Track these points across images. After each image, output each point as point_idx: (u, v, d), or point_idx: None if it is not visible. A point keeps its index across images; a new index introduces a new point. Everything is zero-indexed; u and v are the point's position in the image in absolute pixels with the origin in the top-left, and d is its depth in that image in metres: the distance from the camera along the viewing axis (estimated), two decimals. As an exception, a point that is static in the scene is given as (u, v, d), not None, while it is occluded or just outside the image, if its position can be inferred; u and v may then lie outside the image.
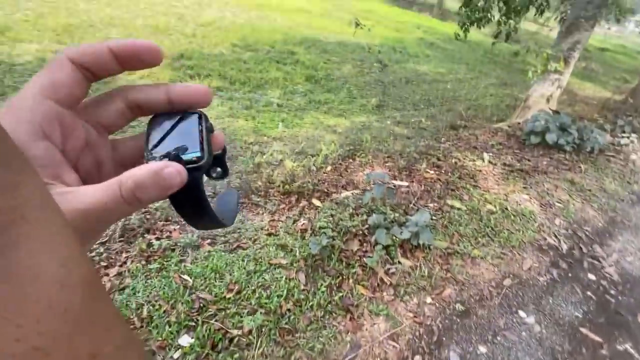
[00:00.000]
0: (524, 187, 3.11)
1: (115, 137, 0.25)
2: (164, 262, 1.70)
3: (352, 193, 2.58)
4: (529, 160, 3.64)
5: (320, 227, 2.08)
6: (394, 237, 2.04)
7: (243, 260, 1.78)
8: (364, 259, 1.93)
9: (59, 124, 0.20)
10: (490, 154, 3.60)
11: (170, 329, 1.38)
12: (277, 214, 2.27)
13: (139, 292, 1.52)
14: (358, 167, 3.10)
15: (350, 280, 1.80)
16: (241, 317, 1.49)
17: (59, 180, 0.19)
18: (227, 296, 1.56)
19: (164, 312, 1.45)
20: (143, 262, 1.68)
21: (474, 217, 2.54)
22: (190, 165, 0.21)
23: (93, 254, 1.70)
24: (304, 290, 1.69)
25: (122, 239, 1.82)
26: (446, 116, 5.07)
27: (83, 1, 6.18)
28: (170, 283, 1.57)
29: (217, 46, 5.83)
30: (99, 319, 0.14)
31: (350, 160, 3.27)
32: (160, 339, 1.35)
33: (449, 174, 3.13)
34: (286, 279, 1.71)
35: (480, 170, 3.27)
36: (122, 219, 1.99)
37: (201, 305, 1.50)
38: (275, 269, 1.77)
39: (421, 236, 2.05)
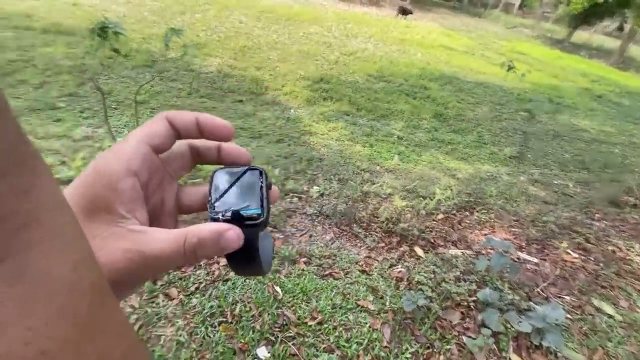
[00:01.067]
0: None
1: (180, 183, 0.28)
2: (263, 267, 1.82)
3: (463, 253, 2.26)
4: None
5: (418, 282, 1.89)
6: (508, 325, 1.67)
7: (331, 291, 1.75)
8: (464, 337, 1.63)
9: (148, 166, 0.23)
10: (675, 254, 2.64)
11: (252, 335, 1.45)
12: (375, 252, 2.17)
13: (237, 289, 1.66)
14: (475, 224, 2.73)
15: (442, 357, 1.54)
16: (317, 350, 1.45)
17: (132, 214, 0.22)
18: (309, 323, 1.55)
19: (252, 316, 1.53)
20: (247, 262, 1.84)
21: (633, 335, 1.87)
22: (250, 222, 0.22)
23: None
24: (386, 347, 1.54)
25: (236, 234, 2.05)
26: (606, 187, 4.03)
27: (259, 28, 7.57)
28: (264, 290, 1.66)
29: (353, 74, 6.20)
30: (107, 325, 0.14)
31: (467, 214, 2.92)
32: (242, 341, 1.43)
33: (601, 264, 2.43)
34: (370, 327, 1.59)
35: (653, 272, 2.43)
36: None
37: (284, 322, 1.53)
38: (360, 311, 1.67)
39: (547, 336, 1.61)
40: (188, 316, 1.50)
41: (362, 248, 2.20)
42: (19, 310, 0.11)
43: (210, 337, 1.43)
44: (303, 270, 1.87)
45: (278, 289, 1.70)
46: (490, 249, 2.32)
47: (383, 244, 2.26)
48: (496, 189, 3.41)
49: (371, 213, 2.58)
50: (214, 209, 0.23)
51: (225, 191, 0.24)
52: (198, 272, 1.74)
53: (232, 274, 1.75)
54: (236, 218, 0.22)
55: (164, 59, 4.87)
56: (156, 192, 0.25)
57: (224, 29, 6.99)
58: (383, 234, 2.37)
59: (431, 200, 2.92)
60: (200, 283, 1.67)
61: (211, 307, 1.55)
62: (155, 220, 0.25)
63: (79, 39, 4.80)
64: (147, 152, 0.23)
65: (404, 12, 13.02)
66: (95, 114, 3.48)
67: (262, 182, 0.24)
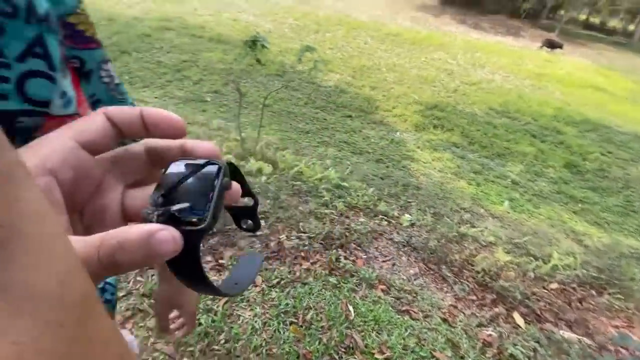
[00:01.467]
0: None
1: (129, 187, 0.24)
2: (341, 282, 1.82)
3: (580, 340, 1.82)
4: None
5: (511, 355, 1.59)
6: None
7: (406, 330, 1.63)
8: None
9: (73, 164, 0.20)
10: None
11: (318, 347, 1.46)
12: (462, 303, 1.94)
13: (313, 295, 1.70)
14: (603, 309, 2.17)
15: None
16: (379, 387, 1.37)
17: None
18: (376, 355, 1.47)
19: (321, 327, 1.55)
20: (326, 272, 1.87)
21: None
22: (189, 228, 0.18)
23: (295, 241, 2.05)
24: (457, 415, 1.34)
25: (322, 242, 2.12)
26: None
27: (382, 50, 7.78)
28: (337, 306, 1.66)
29: (472, 105, 5.77)
30: (97, 336, 0.14)
31: (593, 293, 2.35)
32: (308, 348, 1.45)
33: None
34: (442, 385, 1.42)
35: None
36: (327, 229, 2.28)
37: (350, 345, 1.50)
38: (434, 364, 1.51)
39: None
40: (265, 307, 1.61)
41: (448, 294, 1.99)
42: (3, 325, 0.10)
43: (280, 333, 1.50)
44: (379, 297, 1.79)
45: (351, 308, 1.68)
46: (623, 348, 1.80)
47: (474, 297, 2.00)
48: (643, 272, 2.66)
49: (465, 259, 2.32)
50: (152, 204, 0.19)
51: (172, 187, 0.20)
52: (282, 267, 1.85)
53: (310, 279, 1.81)
54: (172, 220, 0.18)
55: (293, 70, 5.45)
56: (93, 199, 0.22)
57: (350, 48, 7.42)
58: (476, 286, 2.10)
59: (545, 263, 2.46)
60: (282, 279, 1.77)
61: (286, 304, 1.62)
62: (95, 231, 0.21)
63: (232, 47, 5.79)
64: (72, 147, 0.20)
65: (552, 45, 11.38)
66: (229, 110, 4.12)
67: (217, 180, 0.20)
